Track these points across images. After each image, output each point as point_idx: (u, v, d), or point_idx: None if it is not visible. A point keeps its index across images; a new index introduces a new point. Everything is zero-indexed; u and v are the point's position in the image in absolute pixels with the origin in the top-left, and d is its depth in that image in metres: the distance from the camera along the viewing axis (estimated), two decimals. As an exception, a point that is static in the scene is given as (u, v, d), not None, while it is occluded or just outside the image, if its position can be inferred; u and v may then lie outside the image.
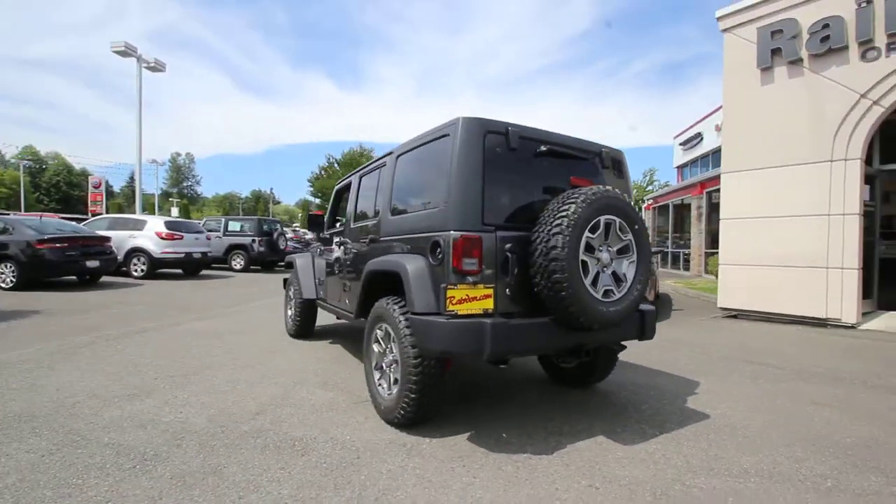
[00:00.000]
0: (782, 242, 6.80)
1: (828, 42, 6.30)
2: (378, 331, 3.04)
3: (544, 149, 2.80)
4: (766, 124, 7.00)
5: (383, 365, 3.02)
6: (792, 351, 5.33)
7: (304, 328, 5.31)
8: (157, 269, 11.68)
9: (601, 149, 3.13)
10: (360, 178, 3.98)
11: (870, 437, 2.86)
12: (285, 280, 5.94)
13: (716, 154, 21.20)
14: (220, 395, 3.38)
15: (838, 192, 6.34)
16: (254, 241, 15.26)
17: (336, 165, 26.84)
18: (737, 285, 7.40)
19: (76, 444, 2.55)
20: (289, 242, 17.30)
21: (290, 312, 5.55)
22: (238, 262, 15.28)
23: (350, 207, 4.07)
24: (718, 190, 14.02)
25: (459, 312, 2.40)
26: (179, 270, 12.80)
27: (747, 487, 2.25)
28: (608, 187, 2.68)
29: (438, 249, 2.55)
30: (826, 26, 6.30)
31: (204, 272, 13.87)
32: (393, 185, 3.25)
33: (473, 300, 2.42)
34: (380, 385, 3.02)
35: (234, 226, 15.90)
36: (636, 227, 2.72)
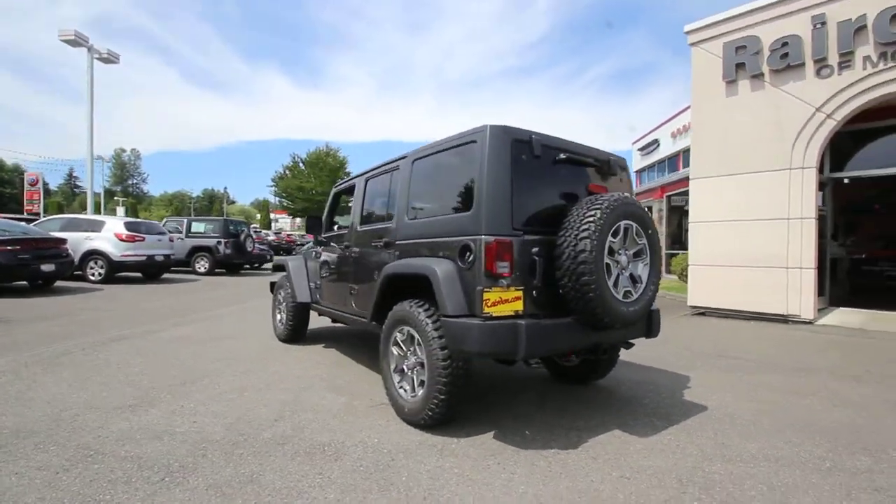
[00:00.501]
0: (747, 244, 7.30)
1: (787, 59, 6.83)
2: (398, 334, 3.06)
3: (563, 156, 2.92)
4: (732, 133, 7.50)
5: (404, 368, 3.04)
6: (761, 345, 5.74)
7: (297, 332, 5.21)
8: (116, 272, 11.04)
9: (609, 156, 3.29)
10: (367, 181, 3.97)
11: (850, 422, 3.15)
12: (272, 284, 5.81)
13: (672, 159, 22.33)
14: (229, 402, 3.29)
15: (796, 197, 6.88)
16: (220, 242, 14.67)
17: (301, 165, 26.17)
18: (705, 285, 7.87)
19: (91, 458, 2.43)
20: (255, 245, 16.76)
21: (280, 316, 5.43)
22: (202, 265, 14.65)
23: (355, 210, 4.05)
24: (678, 194, 14.86)
25: (494, 315, 2.46)
26: (139, 274, 12.15)
27: (759, 471, 2.44)
28: (626, 194, 2.83)
29: (468, 253, 2.61)
30: (785, 44, 6.83)
31: (165, 276, 13.23)
32: (410, 189, 3.28)
33: (506, 302, 2.50)
34: (401, 388, 3.04)
35: (199, 227, 15.23)
36: (650, 231, 2.88)
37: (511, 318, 2.50)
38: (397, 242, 3.29)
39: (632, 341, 3.34)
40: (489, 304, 2.45)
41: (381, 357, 3.23)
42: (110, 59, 17.26)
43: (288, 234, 38.67)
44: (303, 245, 8.45)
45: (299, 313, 5.13)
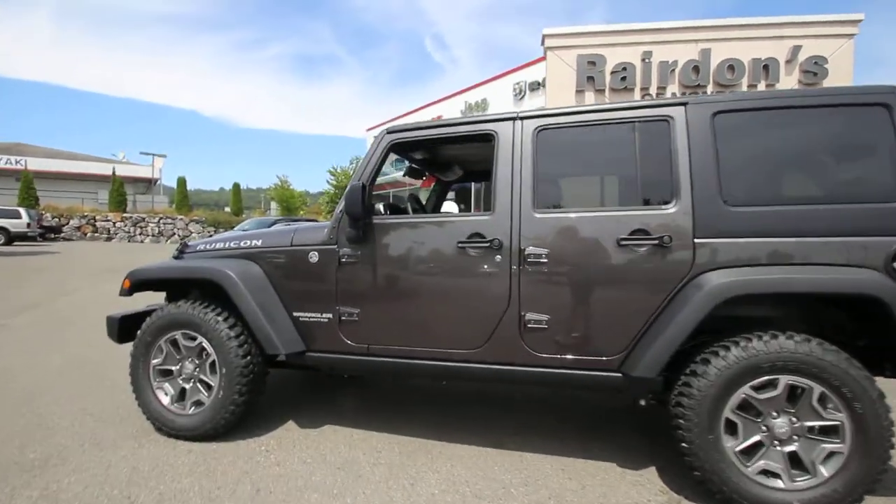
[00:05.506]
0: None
1: (624, 82, 8.20)
2: (753, 392, 1.92)
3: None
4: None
5: (762, 440, 1.94)
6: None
7: (244, 412, 2.68)
8: None
9: None
10: (538, 131, 2.30)
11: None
12: (118, 321, 2.80)
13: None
14: None
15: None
16: None
17: None
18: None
19: None
20: None
21: (177, 392, 2.71)
22: None
23: (513, 182, 2.29)
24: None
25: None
26: None
27: None
28: None
29: None
30: (624, 69, 8.18)
31: None
32: (719, 156, 2.08)
33: None
34: (761, 472, 1.93)
35: None
36: None
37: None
38: (700, 241, 2.04)
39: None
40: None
41: (696, 431, 1.96)
42: None
43: None
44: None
45: (259, 377, 2.66)
